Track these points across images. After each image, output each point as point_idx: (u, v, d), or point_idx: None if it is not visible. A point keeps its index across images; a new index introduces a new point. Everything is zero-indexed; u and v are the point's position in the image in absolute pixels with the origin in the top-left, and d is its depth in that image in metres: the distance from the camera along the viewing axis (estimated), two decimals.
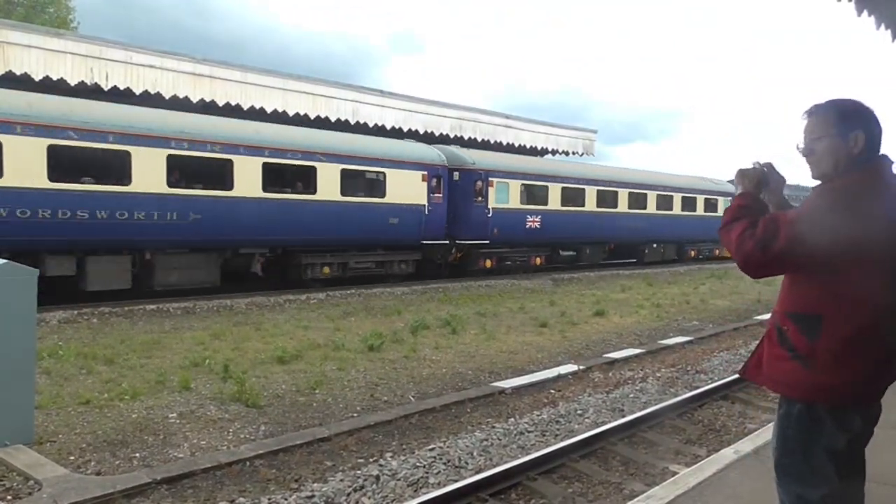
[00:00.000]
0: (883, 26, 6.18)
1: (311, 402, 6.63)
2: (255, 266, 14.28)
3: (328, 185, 14.90)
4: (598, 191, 22.18)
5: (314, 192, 14.65)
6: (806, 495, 2.11)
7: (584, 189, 21.70)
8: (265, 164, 13.75)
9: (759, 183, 2.27)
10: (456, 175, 18.01)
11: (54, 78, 14.34)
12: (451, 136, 22.35)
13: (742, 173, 2.29)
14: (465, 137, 22.90)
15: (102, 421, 5.82)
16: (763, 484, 3.55)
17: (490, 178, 18.47)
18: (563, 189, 20.94)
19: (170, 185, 12.43)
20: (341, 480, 4.67)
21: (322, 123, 18.52)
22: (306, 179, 14.82)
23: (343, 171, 15.23)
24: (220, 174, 13.29)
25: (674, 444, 5.78)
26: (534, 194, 19.96)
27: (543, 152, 26.45)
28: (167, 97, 15.94)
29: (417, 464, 5.02)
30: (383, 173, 16.12)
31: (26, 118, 10.83)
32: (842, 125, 2.12)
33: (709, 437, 6.01)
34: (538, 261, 20.60)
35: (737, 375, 7.68)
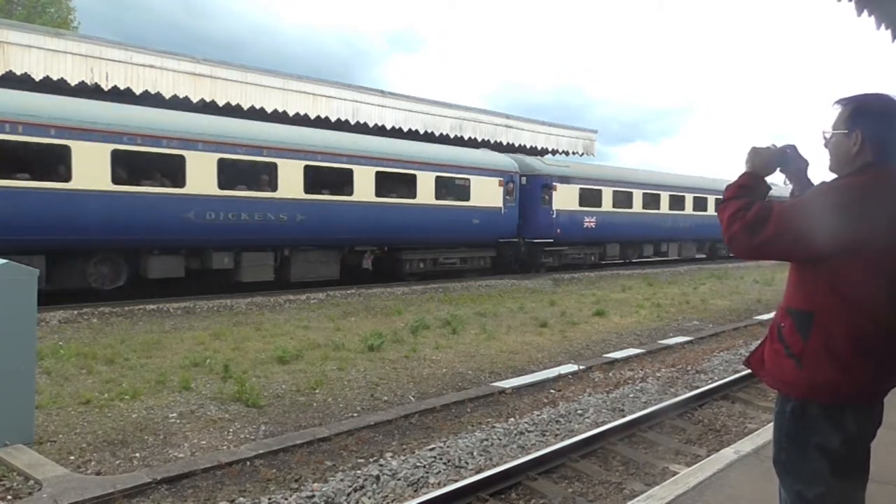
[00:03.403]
0: (883, 26, 6.18)
1: (312, 402, 6.63)
2: None
3: None
4: (307, 167, 14.39)
5: None
6: (804, 492, 2.10)
7: (275, 163, 13.86)
8: None
9: (770, 164, 2.18)
10: None
11: (54, 78, 14.34)
12: (452, 136, 22.37)
13: (755, 151, 2.19)
14: (466, 137, 22.93)
15: (102, 421, 5.82)
16: (764, 484, 3.55)
17: None
18: (224, 161, 13.07)
19: None
20: (341, 480, 4.66)
21: (322, 123, 18.50)
22: None
23: None
24: None
25: (674, 443, 5.77)
26: (139, 165, 12.31)
27: (543, 152, 26.45)
28: (167, 97, 15.95)
29: (417, 464, 5.02)
30: None
31: None
32: (849, 121, 2.06)
33: (709, 437, 6.01)
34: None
35: (737, 375, 7.75)
